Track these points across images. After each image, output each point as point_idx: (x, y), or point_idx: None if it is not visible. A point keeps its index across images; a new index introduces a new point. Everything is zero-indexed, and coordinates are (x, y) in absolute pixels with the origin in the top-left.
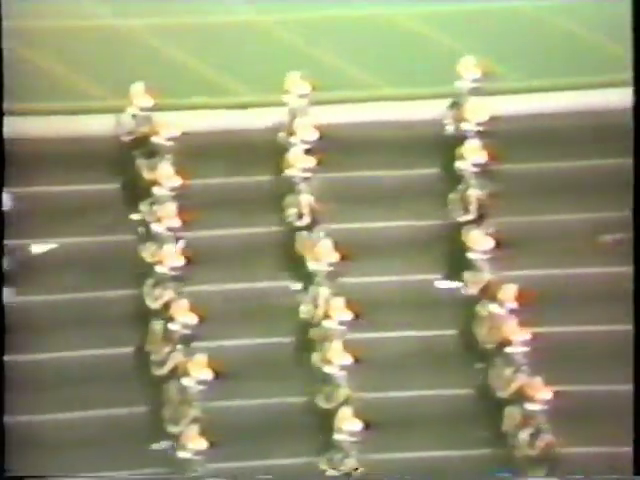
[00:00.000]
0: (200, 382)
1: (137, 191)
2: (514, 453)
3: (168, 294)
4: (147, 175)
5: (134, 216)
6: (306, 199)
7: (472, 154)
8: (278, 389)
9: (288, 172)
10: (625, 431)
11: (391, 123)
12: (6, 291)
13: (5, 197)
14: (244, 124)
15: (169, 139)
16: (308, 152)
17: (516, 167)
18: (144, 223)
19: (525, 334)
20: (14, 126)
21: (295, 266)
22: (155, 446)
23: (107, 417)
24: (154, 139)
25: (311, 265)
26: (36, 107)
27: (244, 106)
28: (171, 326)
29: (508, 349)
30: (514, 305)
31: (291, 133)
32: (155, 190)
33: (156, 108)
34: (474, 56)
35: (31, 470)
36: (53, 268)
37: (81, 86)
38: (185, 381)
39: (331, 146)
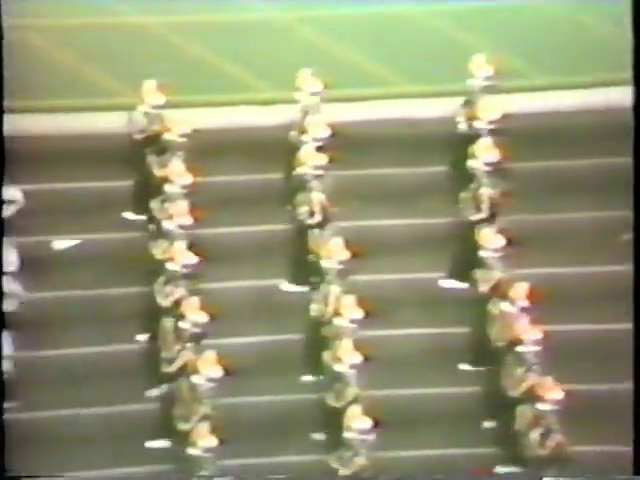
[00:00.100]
0: (210, 379)
1: (149, 188)
2: (524, 452)
3: (179, 291)
4: (158, 172)
5: (145, 214)
6: (317, 197)
7: (484, 152)
8: (288, 387)
9: (299, 170)
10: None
11: (403, 121)
12: (16, 288)
13: (18, 194)
14: (256, 121)
15: (181, 136)
16: (320, 150)
17: (528, 165)
18: (155, 220)
19: (536, 333)
20: (26, 123)
21: (306, 264)
22: (151, 444)
23: (115, 414)
24: (166, 136)
25: (322, 263)
26: (47, 104)
27: (262, 103)
28: (181, 324)
29: (519, 348)
30: (525, 303)
31: (303, 131)
32: (166, 187)
33: (168, 105)
34: (486, 54)
35: (39, 466)
36: (64, 265)
37: (99, 83)
38: (195, 378)
39: (343, 144)
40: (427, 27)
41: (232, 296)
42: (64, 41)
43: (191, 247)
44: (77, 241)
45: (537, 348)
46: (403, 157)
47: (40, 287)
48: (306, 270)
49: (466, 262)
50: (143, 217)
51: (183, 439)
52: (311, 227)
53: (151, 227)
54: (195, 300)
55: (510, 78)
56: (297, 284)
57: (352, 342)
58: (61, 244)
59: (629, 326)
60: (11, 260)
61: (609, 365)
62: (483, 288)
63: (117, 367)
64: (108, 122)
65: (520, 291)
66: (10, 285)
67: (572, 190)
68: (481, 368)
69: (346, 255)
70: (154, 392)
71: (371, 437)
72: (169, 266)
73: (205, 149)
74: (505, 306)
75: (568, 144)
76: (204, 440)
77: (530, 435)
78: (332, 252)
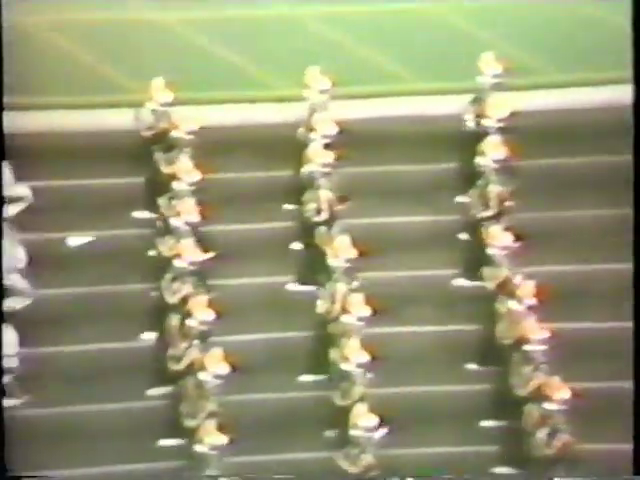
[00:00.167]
0: (217, 376)
1: (156, 186)
2: (531, 452)
3: (186, 288)
4: (166, 170)
5: (152, 211)
6: (325, 194)
7: (492, 150)
8: (295, 384)
9: (307, 167)
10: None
11: (411, 118)
12: (24, 284)
13: (26, 191)
14: (265, 119)
15: (188, 133)
16: (327, 147)
17: (536, 163)
18: (162, 217)
19: (544, 332)
20: (35, 120)
21: (314, 261)
22: (165, 442)
23: (121, 411)
24: (173, 133)
25: (329, 261)
26: (55, 101)
27: (272, 100)
28: (188, 321)
29: (527, 347)
30: (533, 301)
31: (311, 128)
32: (174, 185)
33: (176, 102)
34: (494, 52)
35: (45, 463)
36: (71, 262)
37: (108, 80)
38: (202, 375)
39: (351, 141)
40: (438, 24)
41: (239, 293)
42: (74, 38)
43: (198, 244)
44: (91, 238)
45: (544, 347)
46: (410, 154)
47: (47, 284)
48: (314, 268)
49: (474, 260)
50: (151, 214)
51: (190, 436)
52: (318, 224)
53: (158, 224)
54: (202, 297)
55: (519, 76)
56: (304, 283)
57: (359, 340)
58: (75, 241)
59: None
60: (19, 257)
61: (617, 363)
62: (490, 286)
63: (124, 364)
64: (116, 119)
65: (527, 289)
66: (18, 282)
67: (580, 188)
68: (489, 366)
69: (353, 253)
70: (156, 391)
71: (378, 435)
72: (176, 263)
73: (213, 146)
74: (512, 304)
75: (576, 142)
76: (211, 437)
77: (537, 434)
78: (339, 250)
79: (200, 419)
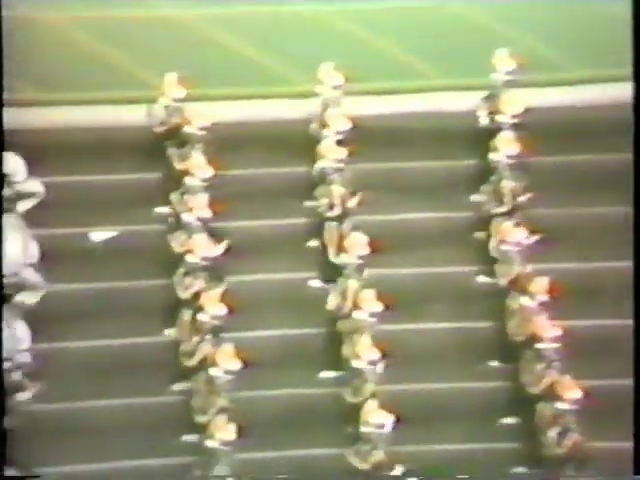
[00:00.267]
0: (228, 372)
1: (169, 181)
2: (541, 451)
3: (199, 284)
4: (179, 165)
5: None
6: (337, 190)
7: (505, 146)
8: (306, 381)
9: (320, 163)
10: None
11: (425, 114)
12: (38, 279)
13: (39, 186)
14: (277, 115)
15: (201, 129)
16: (340, 143)
17: (549, 159)
18: (175, 213)
19: (556, 330)
20: (47, 116)
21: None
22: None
23: (135, 407)
24: (186, 129)
25: (341, 257)
26: (67, 97)
27: (286, 96)
28: (200, 316)
29: (539, 345)
30: (545, 298)
31: (324, 124)
32: (187, 180)
33: (189, 98)
34: (510, 48)
35: (55, 457)
36: (84, 257)
37: (123, 76)
38: (213, 371)
39: (365, 137)
40: (453, 20)
41: (251, 289)
42: (91, 34)
43: (211, 240)
44: (114, 233)
45: (557, 345)
46: (425, 150)
47: (60, 279)
48: (326, 264)
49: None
50: (165, 210)
51: (201, 432)
52: (331, 220)
53: (170, 220)
54: (214, 293)
55: (534, 72)
56: (327, 280)
57: (371, 337)
58: (98, 236)
59: None
60: (32, 252)
61: (629, 360)
62: (502, 282)
63: (137, 360)
64: (130, 115)
65: (541, 285)
66: (31, 277)
67: (593, 184)
68: (501, 364)
69: (365, 249)
70: (179, 386)
71: (388, 431)
72: (189, 258)
73: (226, 142)
74: (525, 300)
75: (592, 138)
76: (222, 433)
77: (548, 433)
78: (351, 246)
79: (211, 415)
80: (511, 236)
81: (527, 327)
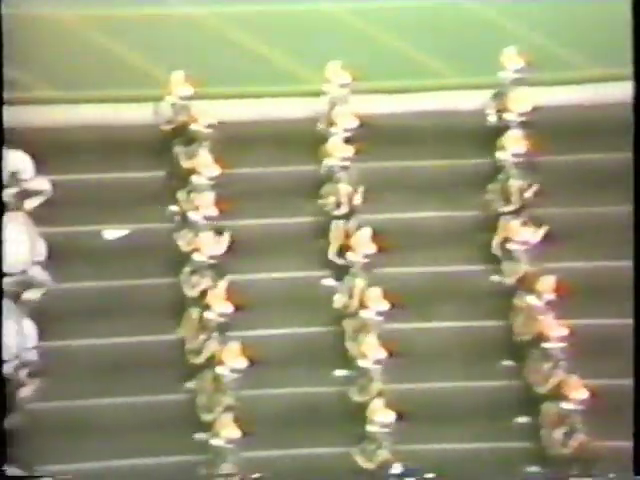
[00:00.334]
0: (234, 370)
1: (175, 180)
2: (547, 450)
3: (205, 282)
4: (185, 164)
5: (171, 206)
6: (344, 188)
7: (513, 144)
8: (312, 379)
9: (327, 161)
10: None
11: (433, 113)
12: (45, 278)
13: (46, 184)
14: (284, 113)
15: (207, 127)
16: (347, 141)
17: (557, 158)
18: (181, 211)
19: (563, 329)
20: (54, 114)
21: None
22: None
23: (141, 405)
24: (193, 127)
25: (348, 255)
26: (74, 95)
27: (300, 94)
28: (207, 314)
29: (545, 344)
30: (552, 297)
31: (330, 123)
32: (193, 179)
33: (196, 97)
34: (519, 46)
35: (60, 455)
36: (90, 255)
37: (133, 73)
38: (219, 369)
39: (373, 135)
40: (462, 19)
41: (257, 288)
42: (102, 32)
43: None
44: (127, 231)
45: (563, 344)
46: (434, 149)
47: (67, 277)
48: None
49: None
50: (172, 208)
51: (207, 430)
52: (338, 218)
53: (176, 218)
54: (220, 291)
55: (543, 70)
56: (339, 278)
57: (377, 336)
58: (111, 234)
59: None
60: (39, 250)
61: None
62: (510, 281)
63: (144, 358)
64: (137, 113)
65: (547, 284)
66: (39, 275)
67: (601, 183)
68: (508, 363)
69: (372, 248)
70: (188, 384)
71: (394, 430)
72: (195, 257)
73: (233, 140)
74: (531, 299)
75: (599, 137)
76: (227, 431)
77: (554, 433)
78: (358, 245)
79: (217, 413)
80: (518, 235)
81: (534, 326)
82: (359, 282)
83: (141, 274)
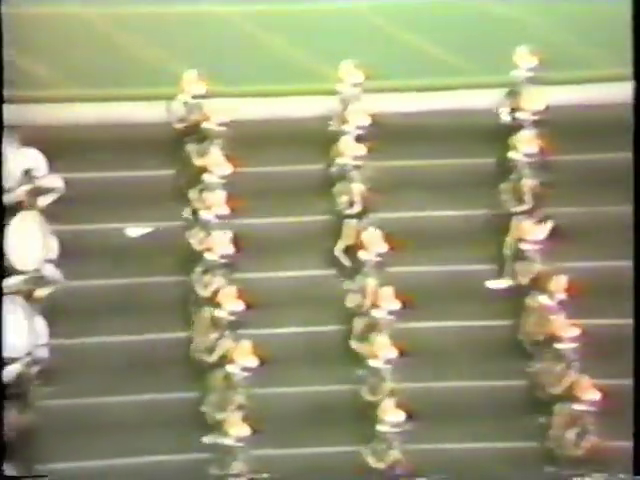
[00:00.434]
0: (245, 369)
1: (187, 178)
2: (559, 451)
3: (217, 281)
4: (197, 162)
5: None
6: (357, 187)
7: (525, 143)
8: (323, 377)
9: (339, 160)
10: None
11: (446, 112)
12: (57, 275)
13: (59, 182)
14: (296, 112)
15: (219, 125)
16: (359, 140)
17: (569, 157)
18: (193, 210)
19: (575, 330)
20: (66, 112)
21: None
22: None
23: (150, 403)
24: (205, 125)
25: (360, 254)
26: (87, 94)
27: (315, 93)
28: (218, 313)
29: (558, 345)
30: (564, 296)
31: (343, 121)
32: (205, 177)
33: (209, 95)
34: (533, 44)
35: (70, 453)
36: (103, 253)
37: (145, 71)
38: (230, 368)
39: (385, 134)
40: (475, 17)
41: (268, 286)
42: (112, 29)
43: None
44: (150, 229)
45: (575, 345)
46: (444, 148)
47: (79, 275)
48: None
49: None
50: (184, 207)
51: (217, 429)
52: (350, 217)
53: (188, 217)
54: (232, 289)
55: (557, 69)
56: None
57: (389, 335)
58: (134, 231)
59: None
60: (52, 248)
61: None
62: (523, 281)
63: (155, 356)
64: (149, 111)
65: (559, 284)
66: (51, 273)
67: (613, 183)
68: (519, 363)
69: (384, 247)
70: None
71: (404, 430)
72: (207, 256)
73: (244, 139)
74: (544, 299)
75: (612, 137)
76: (237, 429)
77: (566, 434)
78: (370, 244)
79: (228, 411)
80: (531, 234)
81: (546, 326)
82: (371, 281)
83: (152, 272)
